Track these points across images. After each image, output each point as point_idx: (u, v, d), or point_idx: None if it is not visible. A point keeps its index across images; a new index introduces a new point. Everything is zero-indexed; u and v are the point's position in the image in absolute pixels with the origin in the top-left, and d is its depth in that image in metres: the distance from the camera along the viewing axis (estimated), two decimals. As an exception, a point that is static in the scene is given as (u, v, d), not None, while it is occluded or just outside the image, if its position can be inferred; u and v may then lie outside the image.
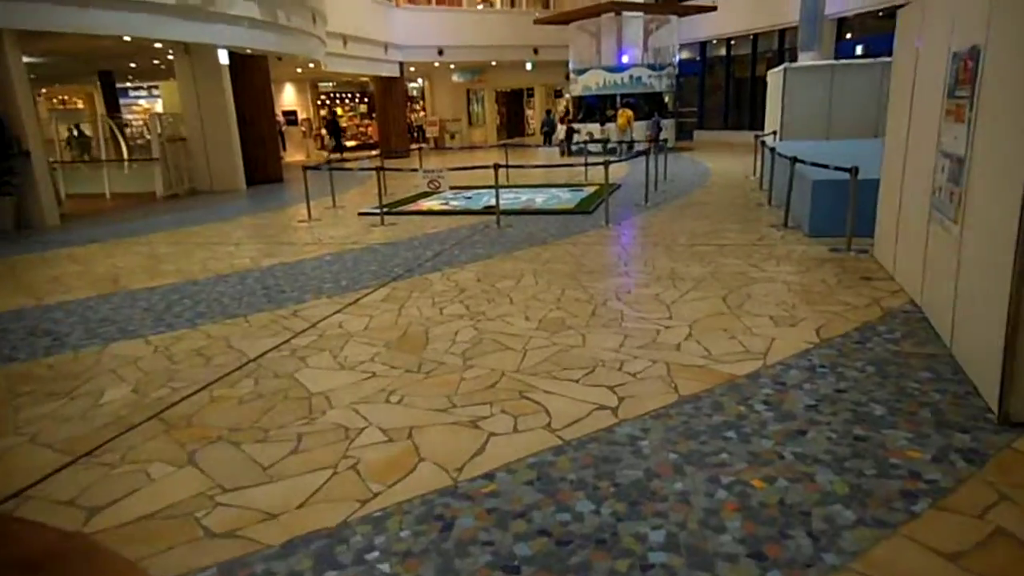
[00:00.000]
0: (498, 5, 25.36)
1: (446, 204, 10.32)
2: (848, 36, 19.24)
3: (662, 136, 18.41)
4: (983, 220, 3.17)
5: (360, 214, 9.80)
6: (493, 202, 9.55)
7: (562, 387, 3.37)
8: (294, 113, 25.46)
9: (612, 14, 19.03)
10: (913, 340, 3.78)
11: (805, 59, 18.91)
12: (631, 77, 19.00)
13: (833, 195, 6.44)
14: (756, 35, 22.36)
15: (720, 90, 24.88)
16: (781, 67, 13.21)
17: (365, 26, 19.55)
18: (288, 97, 25.34)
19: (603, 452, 2.71)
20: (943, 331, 3.73)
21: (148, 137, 13.76)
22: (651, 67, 19.10)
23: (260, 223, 9.51)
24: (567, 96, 40.77)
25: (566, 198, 10.44)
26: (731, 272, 5.43)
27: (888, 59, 13.04)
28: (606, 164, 8.42)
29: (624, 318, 4.42)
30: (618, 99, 19.32)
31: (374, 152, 26.44)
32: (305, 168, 9.67)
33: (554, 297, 4.97)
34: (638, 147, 18.11)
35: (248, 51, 13.59)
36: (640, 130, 18.32)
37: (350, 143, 28.07)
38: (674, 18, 19.60)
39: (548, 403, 3.19)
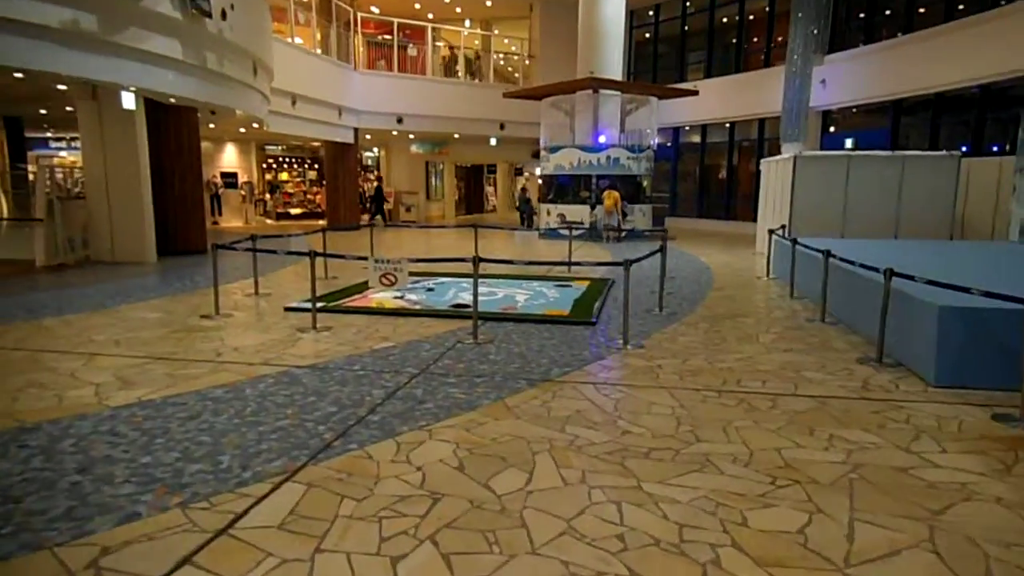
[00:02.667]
0: (463, 77, 23.99)
1: (402, 298, 8.06)
2: (832, 129, 18.35)
3: (629, 222, 16.86)
4: None
5: (287, 309, 7.42)
6: (463, 300, 7.40)
7: None
8: (235, 175, 23.09)
9: (589, 92, 17.67)
10: None
11: (789, 150, 17.89)
12: (608, 158, 17.49)
13: (973, 329, 4.47)
14: (733, 123, 21.45)
15: (693, 177, 23.82)
16: (788, 155, 11.73)
17: (318, 86, 17.65)
18: (229, 158, 23.02)
19: None
20: None
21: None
22: (629, 149, 17.66)
23: (147, 317, 7.01)
24: (526, 175, 39.91)
25: (554, 297, 8.32)
26: (883, 467, 3.29)
27: (912, 152, 11.80)
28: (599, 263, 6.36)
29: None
30: (594, 180, 17.73)
31: (320, 221, 24.20)
32: (216, 246, 7.27)
33: (609, 529, 2.69)
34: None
35: (171, 100, 11.36)
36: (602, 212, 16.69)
37: (295, 211, 25.74)
38: (654, 100, 18.39)
39: None
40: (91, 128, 11.34)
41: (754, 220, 20.89)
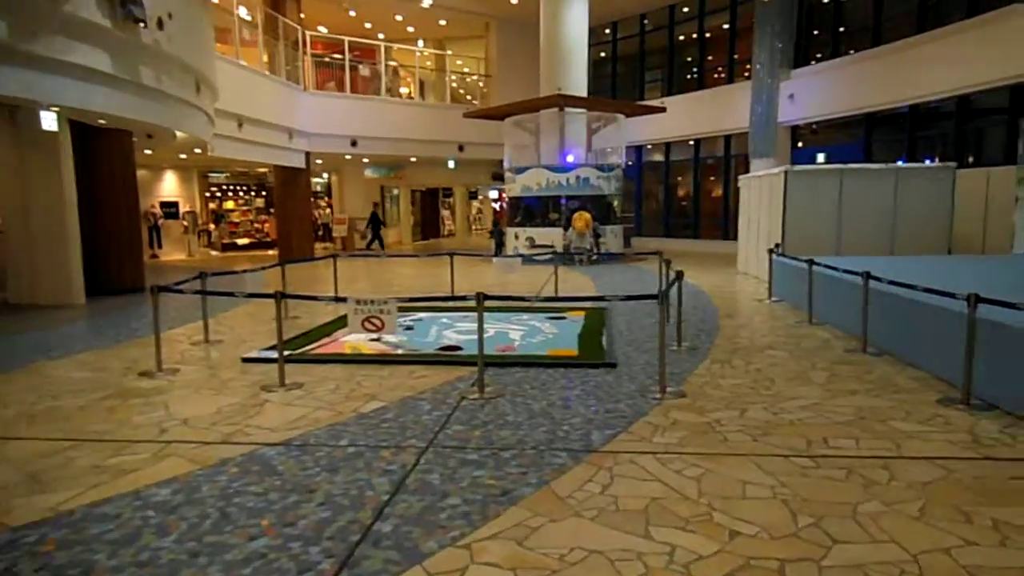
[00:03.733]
0: (417, 98, 23.07)
1: (379, 340, 6.98)
2: (800, 144, 18.10)
3: (603, 244, 16.11)
4: None
5: (246, 360, 6.25)
6: (450, 339, 6.46)
7: None
8: (175, 204, 21.48)
9: (555, 110, 16.97)
10: None
11: (759, 167, 17.52)
12: (578, 178, 16.77)
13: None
14: (698, 140, 21.10)
15: (657, 196, 23.38)
16: (777, 170, 11.15)
17: (266, 108, 16.43)
18: (169, 186, 21.43)
19: None
20: None
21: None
22: (599, 168, 16.99)
23: (72, 378, 5.75)
24: (480, 198, 39.07)
25: (552, 333, 7.37)
26: (1100, 574, 2.43)
27: (907, 165, 11.37)
28: (595, 299, 5.46)
29: None
30: (563, 201, 16.97)
31: (270, 252, 22.74)
32: (156, 288, 6.05)
33: None
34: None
35: (100, 121, 10.05)
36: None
37: (242, 241, 24.21)
38: (621, 117, 17.81)
39: None
40: (6, 152, 9.92)
41: (723, 238, 20.57)
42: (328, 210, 25.57)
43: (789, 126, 17.67)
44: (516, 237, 17.43)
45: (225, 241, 23.60)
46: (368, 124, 19.94)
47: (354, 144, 20.01)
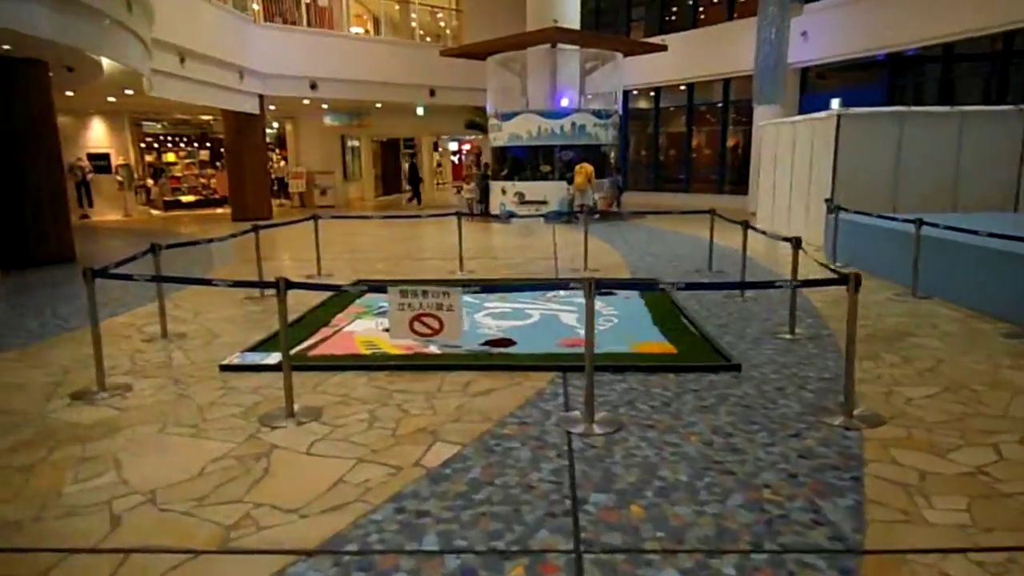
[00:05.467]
0: (384, 34, 20.71)
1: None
2: (812, 89, 16.69)
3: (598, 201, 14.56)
4: None
5: (224, 368, 4.51)
6: (490, 328, 4.94)
7: None
8: (106, 157, 18.80)
9: (545, 47, 15.09)
10: None
11: (764, 113, 16.11)
12: (573, 125, 15.05)
13: None
14: (692, 84, 19.53)
15: (646, 146, 21.85)
16: (825, 113, 9.72)
17: (213, 41, 14.03)
18: (98, 135, 18.70)
19: None
20: None
21: None
22: (596, 114, 15.29)
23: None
24: (440, 150, 36.76)
25: (612, 315, 5.84)
26: None
27: (971, 108, 10.05)
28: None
29: None
30: (557, 151, 15.27)
31: (220, 210, 20.41)
32: (90, 273, 4.17)
33: None
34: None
35: (4, 47, 7.84)
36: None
37: (187, 198, 21.70)
38: (619, 56, 16.03)
39: None
40: None
41: (718, 192, 19.28)
42: (283, 163, 23.16)
43: (800, 68, 16.23)
44: (503, 192, 15.69)
45: (167, 198, 21.05)
46: (329, 63, 17.61)
47: (314, 87, 17.69)
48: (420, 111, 21.39)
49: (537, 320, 5.76)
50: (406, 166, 23.44)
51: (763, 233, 6.82)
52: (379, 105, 20.78)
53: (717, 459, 3.03)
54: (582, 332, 5.33)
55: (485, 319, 5.83)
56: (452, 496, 2.73)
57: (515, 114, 15.37)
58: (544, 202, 15.12)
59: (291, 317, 5.71)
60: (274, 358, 4.59)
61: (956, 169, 9.38)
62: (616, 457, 3.06)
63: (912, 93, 13.78)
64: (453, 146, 44.08)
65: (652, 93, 21.11)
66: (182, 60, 12.91)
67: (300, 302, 6.23)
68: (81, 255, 9.93)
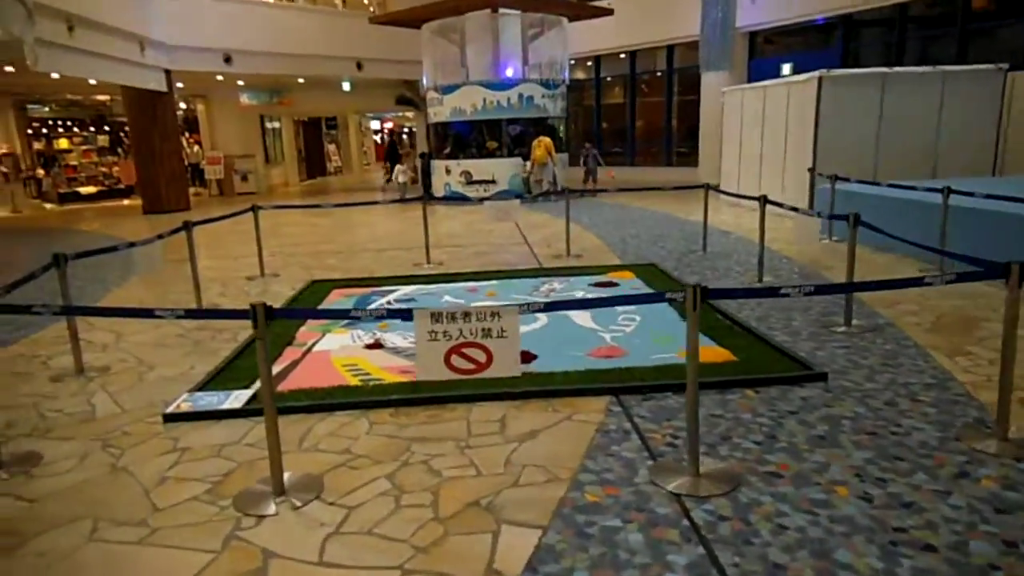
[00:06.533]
0: (306, 0, 18.96)
1: (377, 345, 4.31)
2: (759, 54, 16.30)
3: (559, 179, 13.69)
4: None
5: (169, 419, 3.39)
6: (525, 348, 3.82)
7: None
8: (-14, 146, 16.47)
9: (486, 11, 13.99)
10: None
11: (713, 81, 15.64)
12: (520, 97, 14.07)
13: None
14: (634, 52, 18.85)
15: (587, 118, 21.10)
16: (805, 76, 9.13)
17: (106, 6, 12.19)
18: (-27, 122, 16.32)
19: None
20: None
21: None
22: (544, 84, 14.35)
23: None
24: (363, 128, 34.93)
25: (631, 315, 5.01)
26: None
27: (952, 67, 9.65)
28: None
29: None
30: (504, 127, 14.27)
31: (126, 201, 18.37)
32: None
33: None
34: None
35: None
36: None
37: (86, 189, 19.42)
38: (564, 21, 15.09)
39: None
40: None
41: (666, 165, 18.76)
42: (196, 147, 21.10)
43: (747, 33, 15.78)
44: (447, 172, 14.59)
45: (62, 190, 18.73)
46: (246, 34, 15.87)
47: (228, 61, 15.92)
48: (346, 86, 19.84)
49: (546, 323, 4.86)
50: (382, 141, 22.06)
51: (794, 210, 6.13)
52: (301, 81, 19.14)
53: (895, 524, 2.24)
54: (608, 337, 4.51)
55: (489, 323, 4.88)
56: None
57: (457, 86, 14.23)
58: (492, 181, 14.15)
59: (242, 334, 4.58)
60: (238, 398, 3.51)
61: (937, 132, 9.03)
62: (764, 533, 2.23)
63: (867, 58, 13.53)
64: (375, 125, 42.12)
65: (590, 63, 20.35)
66: (71, 28, 11.08)
67: (224, 287, 5.06)
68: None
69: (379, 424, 3.26)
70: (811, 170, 8.67)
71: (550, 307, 2.91)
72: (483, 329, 2.53)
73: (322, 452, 2.99)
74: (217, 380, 3.86)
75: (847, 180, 7.56)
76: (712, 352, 4.00)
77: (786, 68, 14.71)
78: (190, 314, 2.79)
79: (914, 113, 8.92)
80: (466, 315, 2.51)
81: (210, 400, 3.54)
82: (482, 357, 2.56)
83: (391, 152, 21.64)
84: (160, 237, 5.28)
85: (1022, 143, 9.37)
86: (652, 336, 4.38)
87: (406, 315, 2.58)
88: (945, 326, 4.42)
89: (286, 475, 2.70)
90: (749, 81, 14.67)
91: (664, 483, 2.58)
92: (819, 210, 7.89)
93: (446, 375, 2.58)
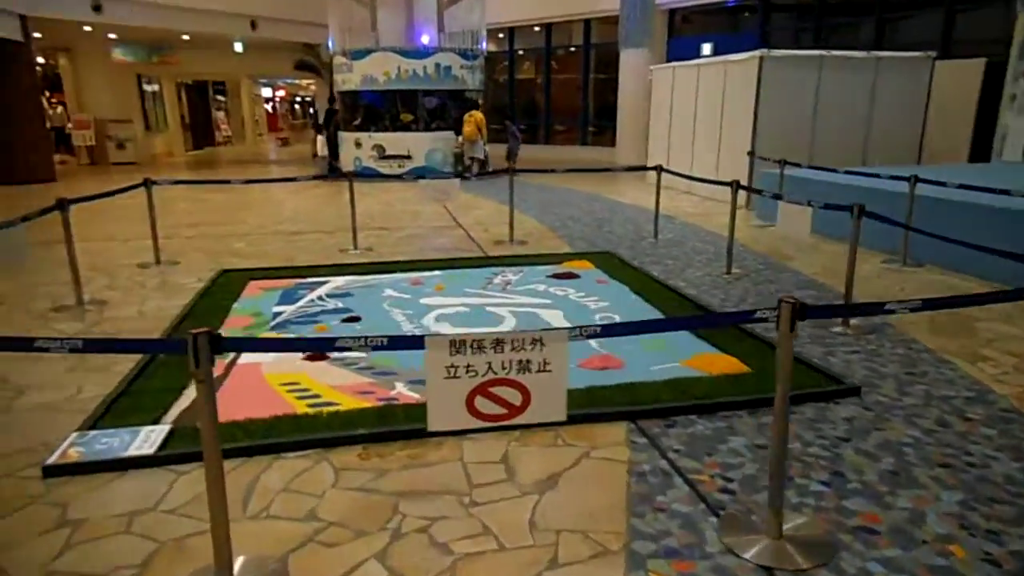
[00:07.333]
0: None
1: (322, 356, 3.55)
2: (678, 33, 16.15)
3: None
4: None
5: (49, 472, 2.48)
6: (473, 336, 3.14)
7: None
8: None
9: (400, -28, 12.94)
10: None
11: (631, 57, 15.35)
12: (437, 66, 13.15)
13: None
14: (549, 25, 18.29)
15: (498, 93, 20.36)
16: (747, 55, 8.88)
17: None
18: None
19: None
20: None
21: None
22: (462, 55, 13.49)
23: None
24: (254, 95, 32.42)
25: (604, 307, 4.47)
26: None
27: (886, 53, 9.64)
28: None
29: None
30: (420, 98, 13.32)
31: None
32: None
33: None
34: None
35: None
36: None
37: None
38: (482, -13, 14.24)
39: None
40: None
41: (582, 144, 18.40)
42: (60, 108, 18.56)
43: (667, 9, 15.56)
44: (357, 145, 13.48)
45: None
46: (118, -20, 13.89)
47: (97, 9, 13.87)
48: (238, 47, 18.07)
49: (515, 325, 4.22)
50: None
51: (777, 197, 5.75)
52: (186, 37, 17.16)
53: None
54: (594, 343, 3.93)
55: (441, 326, 4.19)
56: None
57: (369, 51, 13.12)
58: (408, 157, 13.22)
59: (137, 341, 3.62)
60: (149, 439, 2.65)
61: (869, 119, 9.07)
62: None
63: (784, 42, 13.62)
64: (266, 92, 39.28)
65: (502, 35, 19.61)
66: None
67: (117, 314, 4.07)
68: None
69: (347, 471, 2.52)
70: (751, 153, 8.46)
71: (607, 331, 2.26)
72: (519, 361, 1.86)
73: (278, 520, 2.23)
74: (116, 411, 2.96)
75: (797, 165, 7.37)
76: (721, 361, 3.51)
77: (706, 48, 14.63)
78: (90, 346, 1.90)
79: (848, 98, 8.91)
80: (498, 343, 1.83)
81: (110, 443, 2.65)
82: (517, 399, 1.89)
83: (327, 121, 18.67)
84: (26, 219, 4.15)
85: (942, 131, 9.60)
86: (642, 341, 3.84)
87: (417, 343, 1.86)
88: (943, 325, 4.17)
89: (237, 562, 1.94)
90: (668, 60, 14.50)
91: (742, 551, 2.03)
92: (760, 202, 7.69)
93: (469, 423, 1.90)
